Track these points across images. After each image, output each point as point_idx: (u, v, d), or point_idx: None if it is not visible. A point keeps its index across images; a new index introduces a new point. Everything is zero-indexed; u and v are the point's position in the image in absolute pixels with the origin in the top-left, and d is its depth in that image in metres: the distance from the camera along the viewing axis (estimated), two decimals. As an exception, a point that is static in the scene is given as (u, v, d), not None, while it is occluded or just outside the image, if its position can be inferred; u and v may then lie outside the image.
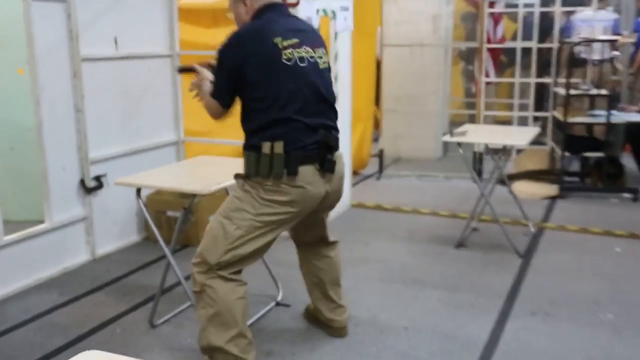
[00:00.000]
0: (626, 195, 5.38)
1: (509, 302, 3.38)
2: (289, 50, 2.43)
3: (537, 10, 5.89)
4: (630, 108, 5.58)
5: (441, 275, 3.80)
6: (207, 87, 2.58)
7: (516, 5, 5.80)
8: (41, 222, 3.74)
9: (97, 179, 4.01)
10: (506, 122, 6.75)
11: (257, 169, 2.42)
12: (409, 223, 4.83)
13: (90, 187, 3.95)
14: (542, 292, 3.50)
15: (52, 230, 3.75)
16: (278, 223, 2.48)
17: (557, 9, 5.79)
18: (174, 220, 4.30)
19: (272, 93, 2.41)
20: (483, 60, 5.92)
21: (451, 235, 4.45)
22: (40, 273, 3.69)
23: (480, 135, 4.27)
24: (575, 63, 5.72)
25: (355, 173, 5.91)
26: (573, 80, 5.81)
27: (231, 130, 6.09)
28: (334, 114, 2.62)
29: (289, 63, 2.42)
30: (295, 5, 4.15)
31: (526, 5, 5.80)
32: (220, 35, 6.06)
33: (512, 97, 7.19)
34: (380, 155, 6.35)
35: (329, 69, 2.64)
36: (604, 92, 5.31)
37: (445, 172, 6.25)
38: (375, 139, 6.58)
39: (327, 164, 2.51)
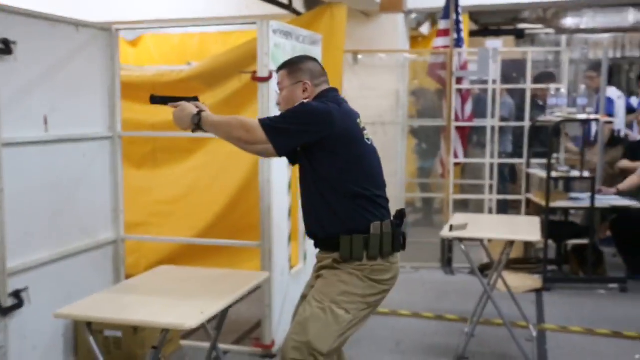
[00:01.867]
0: (612, 285, 4.97)
1: None
2: (365, 132, 2.52)
3: (499, 87, 5.59)
4: (608, 190, 5.26)
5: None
6: (189, 114, 2.45)
7: (485, 82, 5.46)
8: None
9: (16, 294, 3.12)
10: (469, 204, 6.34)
11: (367, 250, 2.38)
12: (391, 328, 4.16)
13: (7, 306, 3.06)
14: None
15: (-46, 370, 2.83)
16: (377, 303, 2.48)
17: (529, 85, 5.49)
18: (113, 340, 3.47)
19: (365, 174, 2.44)
20: (452, 139, 5.51)
21: (445, 344, 3.86)
22: None
23: (484, 229, 3.73)
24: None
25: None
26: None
27: (172, 220, 5.39)
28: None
29: (369, 143, 2.51)
30: (266, 80, 3.55)
31: (495, 82, 5.47)
32: (161, 112, 5.41)
33: (467, 178, 6.85)
34: (339, 244, 5.71)
35: None
36: (586, 174, 4.97)
37: (411, 262, 5.67)
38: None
39: (403, 241, 2.53)
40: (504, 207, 6.18)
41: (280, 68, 2.63)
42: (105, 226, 3.82)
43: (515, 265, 5.33)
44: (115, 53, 3.80)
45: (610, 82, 6.31)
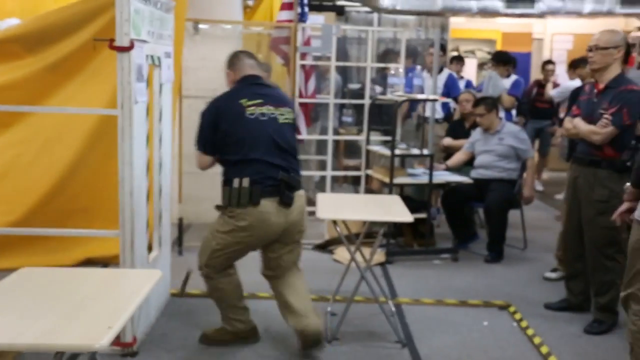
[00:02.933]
0: (444, 255, 5.34)
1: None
2: (252, 108, 3.23)
3: (334, 64, 5.62)
4: (439, 166, 5.60)
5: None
6: None
7: (328, 58, 5.44)
8: None
9: None
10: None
11: (230, 199, 3.17)
12: (254, 312, 4.01)
13: None
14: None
15: None
16: (243, 244, 3.29)
17: (369, 64, 5.58)
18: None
19: (240, 139, 3.17)
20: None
21: (311, 325, 3.80)
22: None
23: (357, 211, 3.73)
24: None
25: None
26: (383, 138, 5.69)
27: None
28: (293, 159, 3.32)
29: (251, 117, 3.22)
30: (127, 49, 3.14)
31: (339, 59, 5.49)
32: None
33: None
34: (180, 224, 5.40)
35: (290, 124, 3.37)
36: (426, 151, 5.22)
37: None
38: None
39: (285, 199, 3.18)
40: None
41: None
42: None
43: (358, 240, 5.45)
44: None
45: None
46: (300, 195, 3.30)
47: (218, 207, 3.29)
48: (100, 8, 4.39)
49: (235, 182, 3.11)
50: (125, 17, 3.13)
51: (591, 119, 3.80)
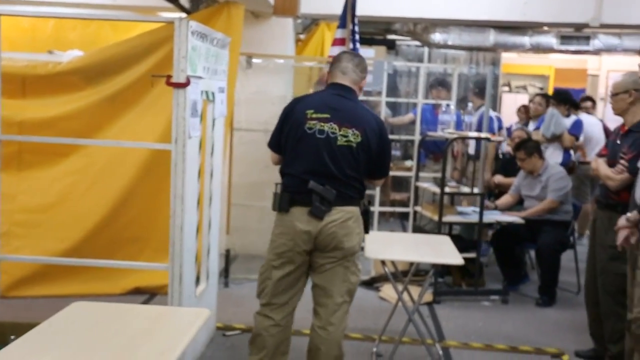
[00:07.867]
0: (494, 297, 5.19)
1: None
2: (314, 122, 3.03)
3: (384, 99, 5.61)
4: (488, 205, 5.49)
5: None
6: None
7: (379, 93, 5.44)
8: None
9: None
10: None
11: (272, 204, 3.12)
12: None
13: None
14: None
15: None
16: (280, 255, 3.09)
17: (420, 100, 5.56)
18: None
19: (291, 150, 3.07)
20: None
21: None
22: None
23: (406, 251, 3.68)
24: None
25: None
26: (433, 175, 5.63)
27: (40, 231, 4.76)
28: (337, 182, 3.00)
29: (309, 131, 3.03)
30: (184, 85, 3.19)
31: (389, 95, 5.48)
32: (30, 109, 4.77)
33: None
34: (227, 255, 5.43)
35: (350, 147, 3.01)
36: (476, 190, 5.14)
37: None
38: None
39: (314, 209, 2.99)
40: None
41: None
42: (-23, 245, 3.25)
43: (404, 277, 5.38)
44: (-5, 42, 3.23)
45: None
46: (341, 210, 3.01)
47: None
48: (158, 42, 4.53)
49: (277, 189, 3.09)
50: (183, 54, 3.18)
51: (613, 161, 3.68)
